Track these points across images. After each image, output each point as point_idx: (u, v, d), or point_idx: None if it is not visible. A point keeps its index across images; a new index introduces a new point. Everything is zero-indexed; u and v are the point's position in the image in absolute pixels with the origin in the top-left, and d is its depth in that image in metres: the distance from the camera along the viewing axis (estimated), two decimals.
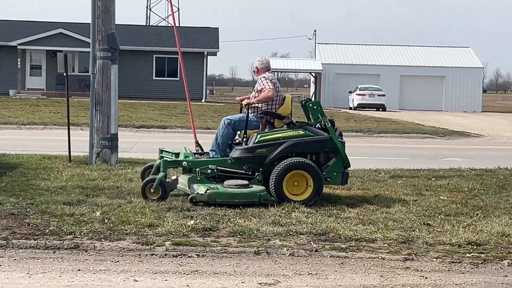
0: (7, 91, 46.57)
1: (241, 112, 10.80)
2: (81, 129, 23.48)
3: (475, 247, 7.85)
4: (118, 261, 6.98)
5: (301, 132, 10.02)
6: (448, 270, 7.03)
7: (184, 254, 7.27)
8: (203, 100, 50.76)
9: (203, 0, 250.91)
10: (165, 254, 7.25)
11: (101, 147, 13.78)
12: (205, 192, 9.37)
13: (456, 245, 7.92)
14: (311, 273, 6.78)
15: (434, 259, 7.38)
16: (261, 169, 9.96)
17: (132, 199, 9.83)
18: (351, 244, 7.85)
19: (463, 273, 6.96)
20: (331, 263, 7.20)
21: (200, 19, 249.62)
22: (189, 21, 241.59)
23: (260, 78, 10.51)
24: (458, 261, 7.33)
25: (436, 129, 30.04)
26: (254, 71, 10.82)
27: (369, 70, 59.65)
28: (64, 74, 13.94)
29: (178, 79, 50.40)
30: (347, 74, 59.20)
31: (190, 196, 9.51)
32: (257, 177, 9.94)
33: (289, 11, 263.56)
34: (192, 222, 8.50)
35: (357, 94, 52.00)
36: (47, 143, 18.91)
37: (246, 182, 9.70)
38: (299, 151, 9.99)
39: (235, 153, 10.01)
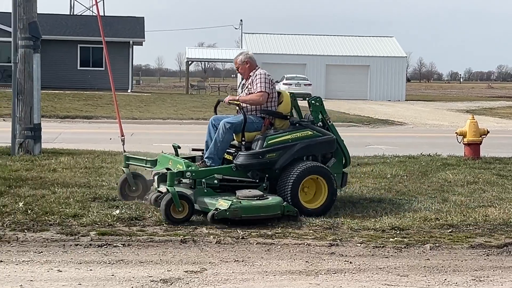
0: None
1: (238, 112, 9.44)
2: (4, 120, 23.01)
3: (398, 232, 8.00)
4: (41, 252, 6.88)
5: (309, 133, 9.13)
6: (372, 255, 7.14)
7: (109, 244, 7.20)
8: (129, 91, 50.26)
9: None
10: (90, 244, 7.17)
11: (23, 137, 13.52)
12: (229, 208, 8.10)
13: (380, 230, 8.06)
14: (238, 260, 6.80)
15: (359, 244, 7.49)
16: (267, 175, 8.94)
17: (56, 189, 9.68)
18: (277, 231, 7.90)
19: (387, 257, 7.08)
20: (257, 250, 7.23)
21: (125, 8, 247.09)
22: (114, 10, 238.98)
23: (257, 75, 9.29)
24: (382, 245, 7.45)
25: (361, 117, 30.46)
26: (237, 69, 9.62)
27: (296, 60, 59.99)
28: None
29: (103, 69, 49.68)
30: (274, 63, 59.32)
31: (210, 213, 8.09)
32: (263, 185, 8.90)
33: (215, 0, 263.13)
34: (117, 211, 8.43)
35: (283, 84, 52.17)
36: None
37: (260, 192, 8.61)
38: (309, 153, 9.15)
39: (241, 159, 8.82)
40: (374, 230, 8.07)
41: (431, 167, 13.18)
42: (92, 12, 79.07)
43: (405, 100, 57.95)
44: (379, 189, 10.66)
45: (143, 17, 55.53)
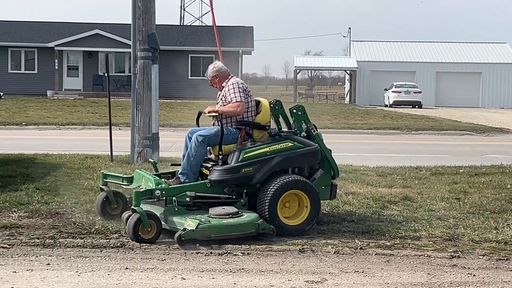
0: (45, 92, 46.93)
1: (214, 124, 8.95)
2: (119, 128, 23.65)
3: None
4: (164, 260, 7.04)
5: (290, 144, 8.50)
6: (496, 268, 6.98)
7: (229, 253, 7.30)
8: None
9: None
10: (210, 253, 7.29)
11: (142, 146, 13.88)
12: (197, 228, 7.58)
13: (502, 242, 7.87)
14: (358, 271, 6.78)
15: (481, 257, 7.33)
16: (245, 190, 8.36)
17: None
18: (395, 242, 7.83)
19: (511, 270, 6.90)
20: (376, 260, 7.18)
21: (231, 18, 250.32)
22: (221, 20, 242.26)
23: (229, 85, 8.86)
24: (505, 258, 7.27)
25: (474, 125, 29.78)
26: (210, 83, 9.18)
27: (405, 67, 59.26)
28: (106, 75, 14.06)
29: None
30: (383, 71, 58.90)
31: (177, 234, 7.56)
32: (242, 201, 8.34)
33: (323, 9, 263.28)
34: None
35: (392, 92, 51.71)
36: (87, 143, 19.09)
37: (234, 208, 8.07)
38: (291, 166, 8.57)
39: (215, 174, 8.27)
40: (496, 242, 7.88)
41: None
42: (202, 22, 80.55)
43: None
44: (499, 199, 10.40)
45: (252, 27, 56.13)
